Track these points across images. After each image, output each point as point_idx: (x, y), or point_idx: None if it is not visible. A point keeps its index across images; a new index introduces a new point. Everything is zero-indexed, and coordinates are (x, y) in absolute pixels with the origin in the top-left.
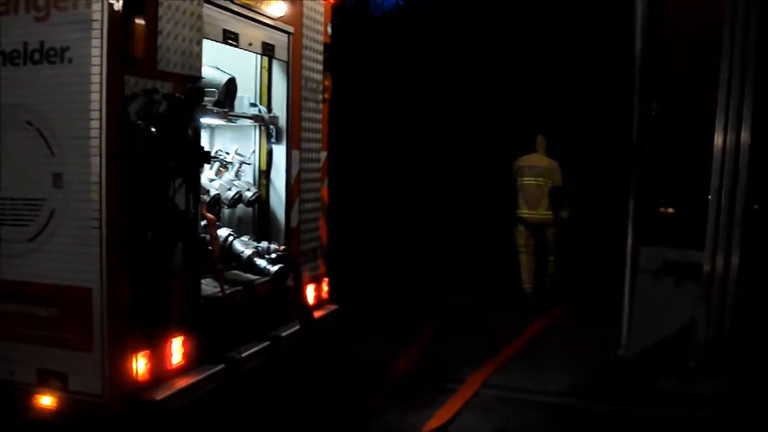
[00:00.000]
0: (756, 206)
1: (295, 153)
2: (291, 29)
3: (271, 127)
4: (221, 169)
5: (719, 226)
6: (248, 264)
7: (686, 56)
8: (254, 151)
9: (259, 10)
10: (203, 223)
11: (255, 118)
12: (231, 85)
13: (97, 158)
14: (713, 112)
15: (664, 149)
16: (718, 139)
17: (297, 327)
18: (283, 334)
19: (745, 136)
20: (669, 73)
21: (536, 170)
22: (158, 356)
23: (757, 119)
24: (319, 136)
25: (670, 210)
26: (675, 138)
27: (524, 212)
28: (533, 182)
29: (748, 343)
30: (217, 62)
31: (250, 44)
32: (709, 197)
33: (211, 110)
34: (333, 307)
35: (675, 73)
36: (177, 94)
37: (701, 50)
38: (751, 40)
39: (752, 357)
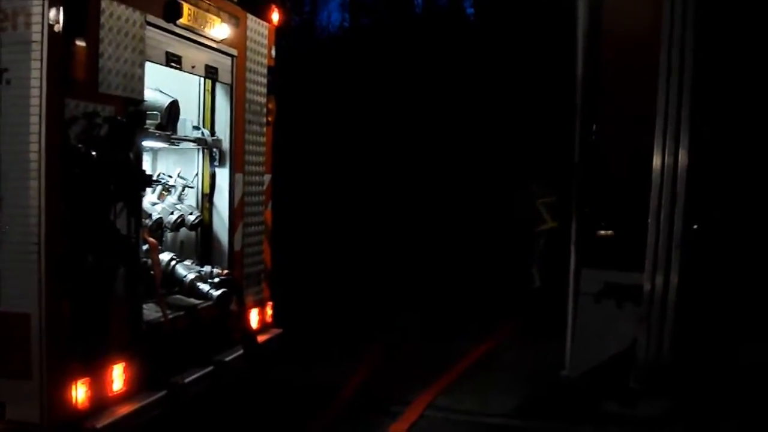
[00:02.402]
0: (695, 227)
1: (239, 176)
2: (234, 52)
3: (215, 150)
4: (164, 192)
5: (658, 247)
6: (191, 288)
7: (625, 79)
8: (197, 175)
9: (203, 33)
10: (145, 247)
11: (198, 141)
12: (173, 107)
13: (36, 182)
14: (652, 135)
15: (604, 171)
16: (656, 162)
17: (241, 351)
18: (227, 358)
19: (683, 158)
20: (609, 95)
21: (546, 190)
22: (99, 383)
23: (694, 142)
24: (262, 159)
25: (610, 233)
26: (614, 160)
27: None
28: (544, 201)
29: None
30: (160, 85)
31: (193, 67)
32: (649, 220)
33: (154, 133)
34: (277, 331)
35: (615, 96)
36: (118, 117)
37: (640, 73)
38: (687, 64)
39: (692, 377)
